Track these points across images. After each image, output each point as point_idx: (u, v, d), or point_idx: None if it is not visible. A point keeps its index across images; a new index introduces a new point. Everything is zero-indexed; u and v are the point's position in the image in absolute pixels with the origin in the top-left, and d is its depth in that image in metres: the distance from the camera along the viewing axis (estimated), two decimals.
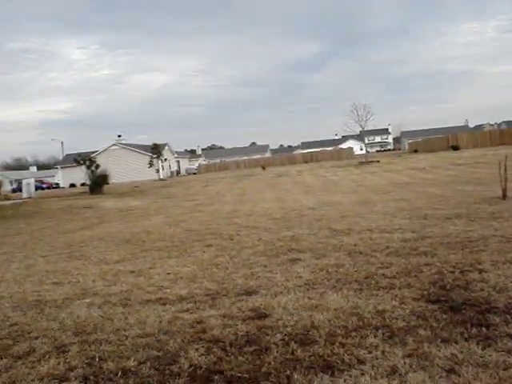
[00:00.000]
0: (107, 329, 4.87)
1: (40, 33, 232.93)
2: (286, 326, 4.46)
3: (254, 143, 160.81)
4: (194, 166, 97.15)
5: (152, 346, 4.28)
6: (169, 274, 7.10)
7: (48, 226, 16.57)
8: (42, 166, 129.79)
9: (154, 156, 68.55)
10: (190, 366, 3.82)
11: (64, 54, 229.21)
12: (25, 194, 40.68)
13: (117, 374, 3.80)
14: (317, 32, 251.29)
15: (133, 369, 3.87)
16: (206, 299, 5.59)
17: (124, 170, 69.88)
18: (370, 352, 3.79)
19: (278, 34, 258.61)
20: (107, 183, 40.26)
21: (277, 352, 3.92)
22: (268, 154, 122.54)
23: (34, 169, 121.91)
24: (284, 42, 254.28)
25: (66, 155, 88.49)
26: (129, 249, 9.72)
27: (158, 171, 69.21)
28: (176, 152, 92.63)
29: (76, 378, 3.80)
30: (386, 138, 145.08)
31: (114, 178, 45.08)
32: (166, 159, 75.03)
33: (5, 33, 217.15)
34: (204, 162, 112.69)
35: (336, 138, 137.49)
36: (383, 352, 3.76)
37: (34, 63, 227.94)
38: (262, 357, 3.87)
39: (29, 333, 4.99)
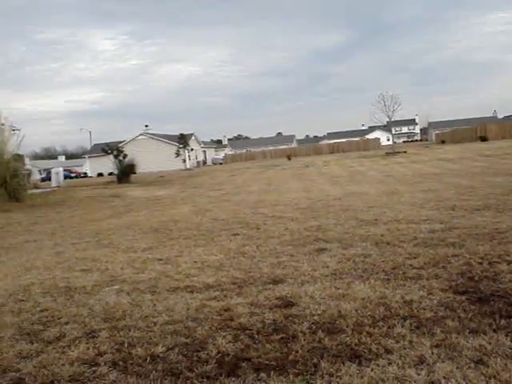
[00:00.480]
0: (136, 315, 4.93)
1: (68, 24, 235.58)
2: (313, 315, 4.47)
3: (279, 133, 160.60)
4: (220, 156, 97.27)
5: (180, 333, 4.33)
6: (196, 262, 7.14)
7: (76, 214, 16.75)
8: (70, 156, 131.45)
9: (181, 146, 68.94)
10: (218, 352, 3.85)
11: (92, 45, 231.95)
12: (54, 183, 41.14)
13: (145, 360, 3.84)
14: (343, 22, 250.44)
15: (161, 355, 3.92)
16: (233, 287, 5.62)
17: (151, 159, 70.26)
18: (397, 342, 3.78)
19: (305, 23, 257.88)
20: (134, 173, 40.60)
21: (304, 340, 3.93)
22: (294, 145, 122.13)
23: (62, 158, 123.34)
24: (310, 32, 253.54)
25: (94, 145, 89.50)
26: (156, 237, 9.79)
27: (184, 161, 69.61)
28: (202, 142, 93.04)
29: (105, 363, 3.86)
30: (413, 129, 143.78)
31: (141, 168, 45.45)
32: (192, 149, 75.37)
33: (33, 24, 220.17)
34: (230, 152, 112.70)
35: (363, 128, 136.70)
36: (411, 342, 3.75)
37: (63, 54, 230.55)
38: (289, 345, 3.89)
39: (59, 318, 5.07)
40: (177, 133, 72.49)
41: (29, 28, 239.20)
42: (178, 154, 67.87)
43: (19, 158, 24.63)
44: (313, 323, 4.28)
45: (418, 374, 3.26)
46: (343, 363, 3.52)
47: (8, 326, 4.95)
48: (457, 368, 3.30)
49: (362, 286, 5.23)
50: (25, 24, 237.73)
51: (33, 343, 4.42)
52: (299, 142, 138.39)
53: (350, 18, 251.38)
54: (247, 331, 4.24)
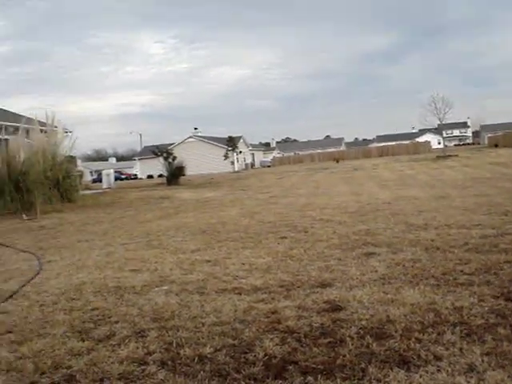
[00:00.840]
0: (184, 316, 4.99)
1: (118, 28, 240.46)
2: (361, 320, 4.45)
3: (328, 136, 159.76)
4: (268, 159, 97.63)
5: (228, 334, 4.36)
6: (244, 264, 7.18)
7: (127, 215, 17.02)
8: (120, 158, 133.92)
9: (229, 148, 69.25)
10: (265, 355, 3.87)
11: (142, 49, 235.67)
12: (105, 185, 41.89)
13: (193, 360, 3.89)
14: (394, 23, 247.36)
15: (209, 355, 3.95)
16: (280, 290, 5.63)
17: (200, 162, 70.93)
18: (447, 349, 3.72)
19: (354, 25, 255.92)
20: (183, 175, 41.02)
21: (352, 345, 3.92)
22: (342, 148, 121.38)
23: (113, 160, 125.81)
24: (360, 34, 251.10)
25: (144, 147, 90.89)
26: (205, 239, 9.87)
27: (232, 163, 69.98)
28: (250, 144, 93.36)
29: (154, 363, 3.92)
30: (465, 132, 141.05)
31: (190, 170, 45.91)
32: (240, 152, 75.70)
33: (84, 28, 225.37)
34: (278, 155, 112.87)
35: (413, 131, 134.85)
36: (461, 349, 3.69)
37: (113, 58, 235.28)
38: (336, 349, 3.87)
39: (109, 317, 5.17)
40: (225, 135, 72.97)
41: (81, 32, 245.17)
42: (226, 157, 68.25)
43: (71, 159, 25.18)
44: (361, 328, 4.26)
45: (468, 382, 3.21)
46: (391, 369, 3.49)
47: (60, 323, 5.08)
48: (508, 377, 3.23)
49: (412, 292, 5.17)
50: (77, 29, 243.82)
51: (84, 341, 4.51)
52: (348, 144, 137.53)
53: (400, 18, 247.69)
54: (294, 334, 4.24)
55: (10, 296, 6.31)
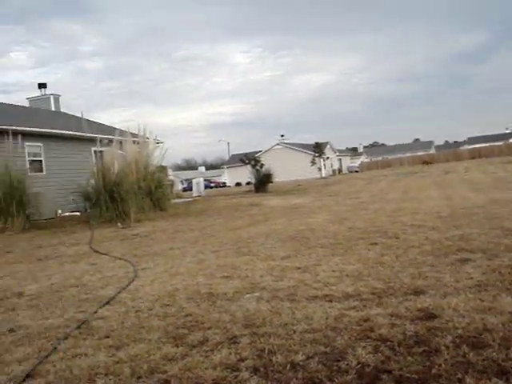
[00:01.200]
0: (275, 323, 5.00)
1: (204, 40, 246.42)
2: (457, 328, 4.32)
3: (417, 139, 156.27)
4: (356, 164, 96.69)
5: (319, 342, 4.33)
6: (334, 271, 7.13)
7: (217, 222, 17.27)
8: (209, 166, 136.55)
9: (316, 155, 69.18)
10: (358, 363, 3.82)
11: (228, 59, 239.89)
12: (195, 193, 42.83)
13: (285, 367, 3.88)
14: (484, 20, 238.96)
15: (301, 363, 3.94)
16: (372, 297, 5.55)
17: (286, 168, 71.04)
18: None
19: (442, 24, 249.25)
20: (271, 182, 41.22)
21: (447, 354, 3.81)
22: (432, 151, 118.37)
23: (202, 169, 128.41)
24: (448, 33, 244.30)
25: (232, 155, 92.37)
26: (294, 246, 9.88)
27: (319, 169, 69.73)
28: (337, 150, 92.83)
29: (247, 369, 3.94)
30: None
31: (277, 177, 46.00)
32: (327, 157, 75.48)
33: (172, 42, 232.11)
34: (366, 160, 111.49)
35: (507, 131, 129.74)
36: None
37: (200, 69, 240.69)
38: (431, 358, 3.78)
39: (202, 323, 5.25)
40: (312, 142, 73.07)
41: (168, 46, 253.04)
42: (313, 163, 68.22)
43: (163, 169, 25.89)
44: (456, 336, 4.14)
45: None
46: (489, 379, 3.37)
47: (155, 329, 5.21)
48: None
49: (510, 299, 4.97)
50: (165, 43, 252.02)
51: (178, 347, 4.60)
52: (438, 147, 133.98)
53: (493, 15, 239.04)
54: (388, 343, 4.17)
55: (107, 302, 6.55)
